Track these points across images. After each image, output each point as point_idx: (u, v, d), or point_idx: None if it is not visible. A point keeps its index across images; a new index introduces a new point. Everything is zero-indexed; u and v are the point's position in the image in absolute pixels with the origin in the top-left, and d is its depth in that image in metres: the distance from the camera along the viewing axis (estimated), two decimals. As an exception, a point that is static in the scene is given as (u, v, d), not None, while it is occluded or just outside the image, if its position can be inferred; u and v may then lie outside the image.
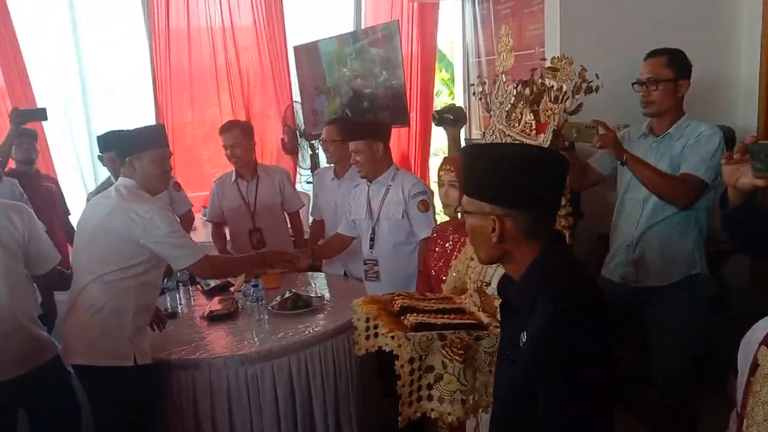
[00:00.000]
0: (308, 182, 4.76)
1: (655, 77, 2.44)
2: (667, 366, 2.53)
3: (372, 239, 3.07)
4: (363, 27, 4.90)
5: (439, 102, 6.81)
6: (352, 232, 3.22)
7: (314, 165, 4.89)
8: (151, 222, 2.26)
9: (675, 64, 2.45)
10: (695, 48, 2.57)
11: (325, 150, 3.61)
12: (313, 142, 4.90)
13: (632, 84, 2.55)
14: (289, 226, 3.79)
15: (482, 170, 1.34)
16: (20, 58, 4.21)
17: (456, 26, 4.97)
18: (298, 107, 4.96)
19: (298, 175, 5.11)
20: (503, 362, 1.46)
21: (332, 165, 3.62)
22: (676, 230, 2.47)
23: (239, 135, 3.50)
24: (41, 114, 3.46)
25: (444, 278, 2.29)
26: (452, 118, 3.33)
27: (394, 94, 4.32)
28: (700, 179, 2.34)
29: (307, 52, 4.81)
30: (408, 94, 4.68)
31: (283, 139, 4.97)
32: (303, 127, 4.98)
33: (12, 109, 3.41)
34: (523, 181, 1.29)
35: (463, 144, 3.39)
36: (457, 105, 4.14)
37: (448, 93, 7.47)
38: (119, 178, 2.42)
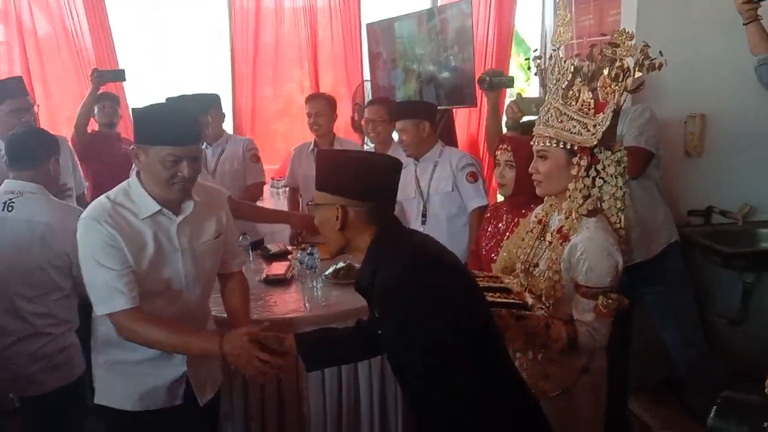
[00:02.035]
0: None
1: None
2: (685, 338, 2.73)
3: (424, 215, 3.09)
4: (438, 5, 4.87)
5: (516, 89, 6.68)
6: None
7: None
8: None
9: None
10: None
11: (372, 130, 3.67)
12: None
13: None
14: None
15: (331, 169, 1.57)
16: (108, 27, 4.44)
17: (536, 10, 4.86)
18: (368, 86, 4.99)
19: (366, 153, 5.16)
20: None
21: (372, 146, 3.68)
22: (643, 206, 2.66)
23: (325, 105, 3.69)
24: (120, 74, 3.66)
25: (494, 258, 2.27)
26: (502, 80, 3.28)
27: (462, 73, 4.28)
28: (643, 149, 2.58)
29: (382, 30, 4.82)
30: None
31: (353, 117, 5.03)
32: (369, 107, 5.01)
33: (93, 70, 3.61)
34: (362, 176, 1.52)
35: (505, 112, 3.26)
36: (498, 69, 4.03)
37: (525, 78, 7.31)
38: None
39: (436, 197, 3.09)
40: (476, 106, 4.56)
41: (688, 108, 3.03)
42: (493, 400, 1.43)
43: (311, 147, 3.78)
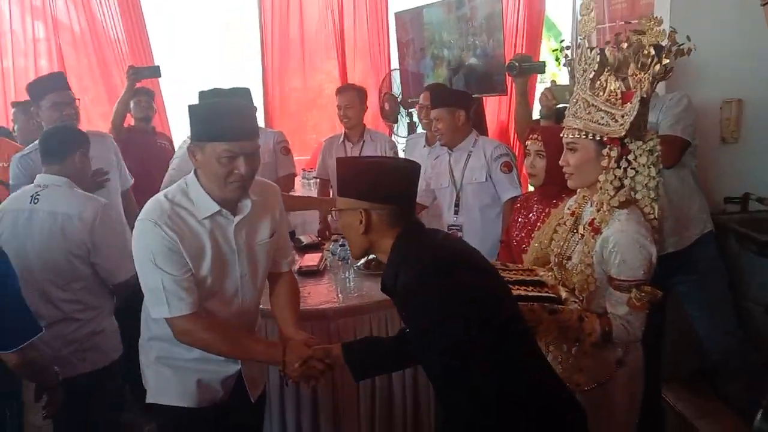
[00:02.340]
0: (403, 150, 4.82)
1: None
2: (719, 327, 2.70)
3: (456, 205, 3.09)
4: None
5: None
6: (425, 200, 3.26)
7: (411, 132, 4.92)
8: None
9: None
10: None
11: (420, 116, 3.66)
12: (411, 110, 4.92)
13: None
14: None
15: (352, 175, 1.63)
16: (142, 22, 4.50)
17: (568, -6, 4.79)
18: (396, 75, 4.99)
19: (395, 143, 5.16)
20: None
21: (425, 132, 3.66)
22: (678, 195, 2.63)
23: (354, 97, 3.73)
24: (155, 71, 3.70)
25: (525, 248, 2.27)
26: (533, 66, 3.27)
27: (492, 60, 4.25)
28: (679, 137, 2.53)
29: (411, 18, 4.80)
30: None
31: (383, 107, 5.03)
32: (400, 96, 5.02)
33: (129, 67, 3.66)
34: (383, 180, 1.58)
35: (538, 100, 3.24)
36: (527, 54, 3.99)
37: (555, 64, 7.21)
38: None
39: (469, 187, 3.09)
40: (506, 94, 4.53)
41: (724, 93, 2.97)
42: (512, 399, 1.44)
43: (341, 138, 3.83)
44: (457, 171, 3.13)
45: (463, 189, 3.10)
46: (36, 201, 2.38)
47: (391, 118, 5.11)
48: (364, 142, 3.80)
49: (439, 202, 3.26)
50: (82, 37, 4.49)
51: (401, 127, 5.12)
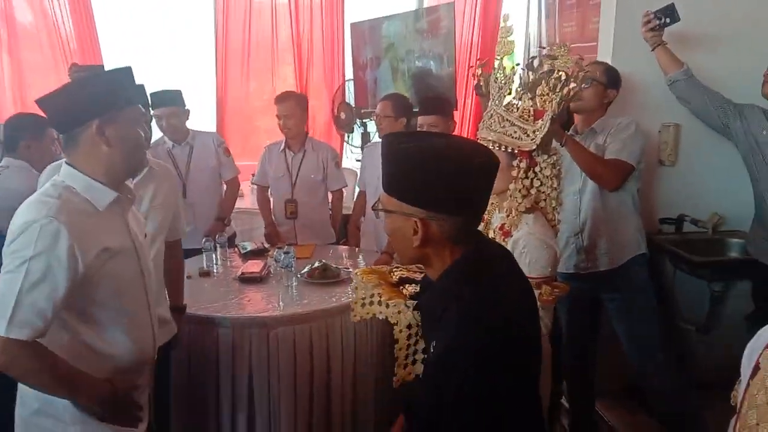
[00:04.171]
0: (358, 160, 4.82)
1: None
2: (641, 348, 2.74)
3: None
4: (425, 6, 4.90)
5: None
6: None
7: (365, 143, 4.93)
8: None
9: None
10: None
11: (378, 125, 3.65)
12: (365, 120, 4.94)
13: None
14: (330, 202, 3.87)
15: (404, 166, 1.23)
16: (91, 19, 4.41)
17: (520, 15, 4.89)
18: (350, 85, 5.00)
19: (348, 152, 5.17)
20: (425, 365, 1.49)
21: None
22: (614, 216, 2.69)
23: (294, 106, 3.57)
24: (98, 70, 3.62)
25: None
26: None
27: (444, 75, 4.30)
28: (623, 162, 2.59)
29: (368, 29, 4.82)
30: (466, 78, 4.71)
31: (338, 116, 5.03)
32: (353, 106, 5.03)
33: (71, 65, 3.57)
34: (452, 184, 1.20)
35: None
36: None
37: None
38: None
39: None
40: (456, 109, 4.59)
41: (663, 118, 3.07)
42: None
43: (282, 147, 3.69)
44: None
45: None
46: None
47: (346, 128, 5.11)
48: (305, 151, 3.68)
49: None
50: (29, 31, 4.38)
51: (356, 137, 5.13)
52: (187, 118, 3.61)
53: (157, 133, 3.46)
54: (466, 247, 1.27)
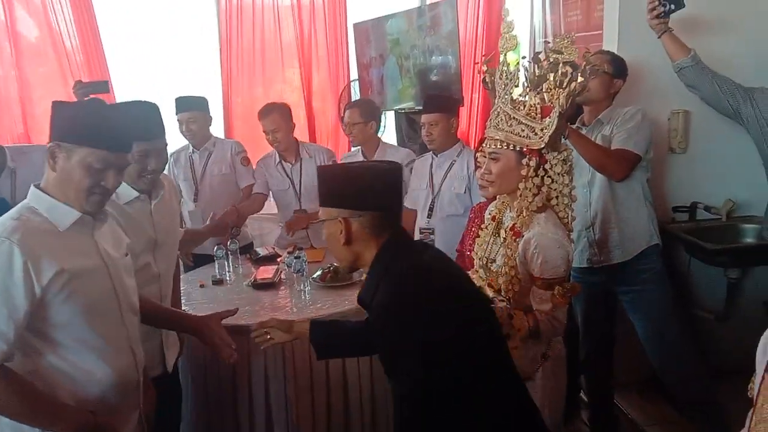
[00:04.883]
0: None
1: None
2: (659, 339, 2.72)
3: (431, 209, 3.12)
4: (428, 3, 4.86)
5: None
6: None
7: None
8: None
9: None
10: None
11: (349, 132, 3.63)
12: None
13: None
14: None
15: (330, 182, 1.54)
16: (96, 32, 4.42)
17: (525, 5, 4.85)
18: (355, 85, 4.99)
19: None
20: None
21: (359, 148, 3.65)
22: (625, 207, 2.66)
23: (279, 119, 3.51)
24: (102, 86, 3.64)
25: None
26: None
27: (449, 72, 4.27)
28: (630, 152, 2.56)
29: (372, 27, 4.80)
30: (472, 73, 4.67)
31: (342, 118, 5.00)
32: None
33: (75, 83, 3.58)
34: (360, 184, 1.49)
35: None
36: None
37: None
38: None
39: (446, 195, 3.13)
40: (463, 105, 4.56)
41: (672, 104, 3.04)
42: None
43: (277, 160, 3.65)
44: (437, 176, 3.17)
45: (440, 195, 3.13)
46: None
47: (352, 130, 5.08)
48: (302, 159, 3.62)
49: (415, 202, 3.29)
50: (34, 44, 4.39)
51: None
52: (209, 125, 3.67)
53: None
54: (385, 238, 1.50)
